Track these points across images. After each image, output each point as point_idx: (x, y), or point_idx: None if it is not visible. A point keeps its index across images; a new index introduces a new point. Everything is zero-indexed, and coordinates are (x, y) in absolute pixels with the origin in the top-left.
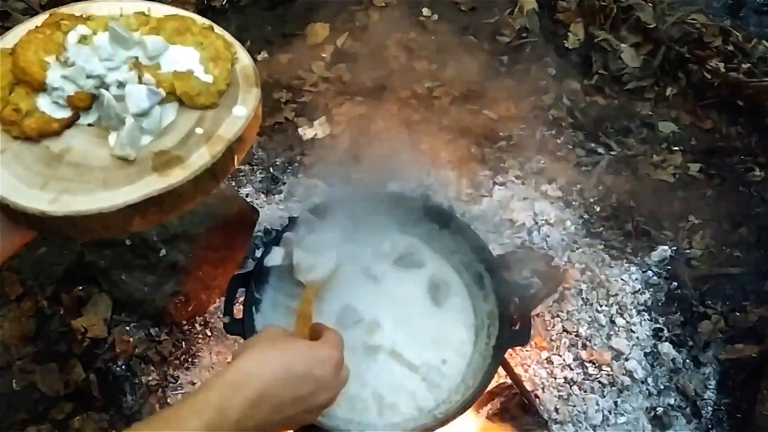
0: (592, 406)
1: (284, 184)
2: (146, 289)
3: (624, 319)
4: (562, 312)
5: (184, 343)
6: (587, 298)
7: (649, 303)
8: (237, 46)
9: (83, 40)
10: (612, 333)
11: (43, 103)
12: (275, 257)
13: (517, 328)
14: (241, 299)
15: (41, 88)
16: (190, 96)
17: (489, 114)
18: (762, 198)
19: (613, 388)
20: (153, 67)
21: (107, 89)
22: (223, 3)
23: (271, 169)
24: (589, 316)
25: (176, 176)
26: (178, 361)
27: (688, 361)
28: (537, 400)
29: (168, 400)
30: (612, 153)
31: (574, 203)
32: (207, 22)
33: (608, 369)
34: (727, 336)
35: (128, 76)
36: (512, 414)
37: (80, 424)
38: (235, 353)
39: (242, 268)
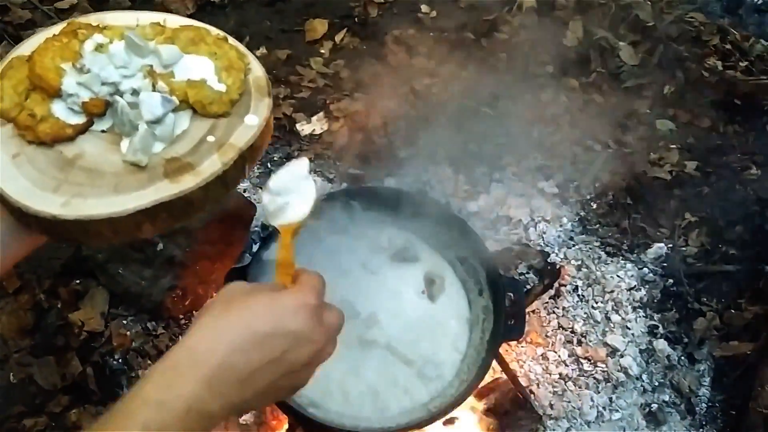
0: (587, 402)
1: None
2: (143, 283)
3: (619, 315)
4: (558, 308)
5: (180, 337)
6: (583, 295)
7: (645, 300)
8: (250, 56)
9: (99, 48)
10: (607, 329)
11: (58, 108)
12: (273, 252)
13: (511, 323)
14: None
15: (57, 94)
16: (203, 104)
17: (487, 111)
18: (758, 196)
19: (608, 384)
20: (167, 75)
21: (121, 96)
22: None
23: (269, 165)
24: (585, 313)
25: (187, 183)
26: None
27: (682, 357)
28: (532, 395)
29: None
30: (609, 150)
31: (570, 200)
32: (221, 33)
33: (603, 365)
34: (721, 333)
35: (142, 83)
36: (507, 409)
37: (77, 417)
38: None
39: (239, 262)
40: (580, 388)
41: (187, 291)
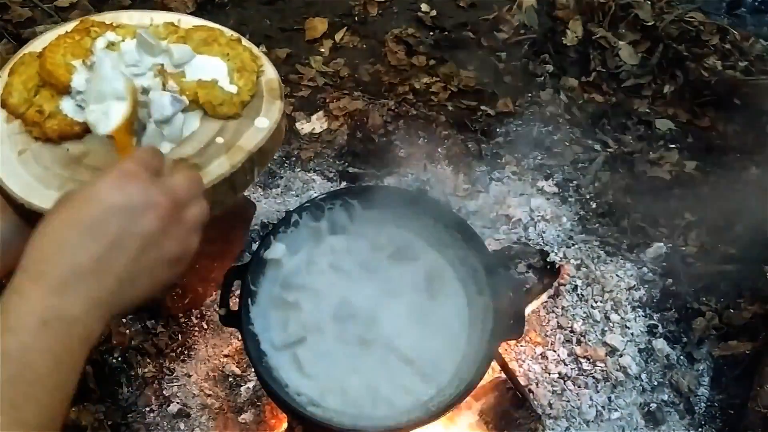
0: (586, 402)
1: (281, 178)
2: None
3: (619, 315)
4: (557, 308)
5: (180, 335)
6: (582, 294)
7: (644, 299)
8: (263, 59)
9: (111, 46)
10: (606, 329)
11: (67, 105)
12: (274, 251)
13: (510, 322)
14: (238, 292)
15: (66, 91)
16: (212, 105)
17: (486, 110)
18: (757, 196)
19: (607, 383)
20: (178, 74)
21: None
22: None
23: (269, 163)
24: (584, 312)
25: None
26: (174, 354)
27: (682, 357)
28: (531, 394)
29: (164, 392)
30: (609, 150)
31: (570, 199)
32: (235, 34)
33: (602, 365)
34: (721, 333)
35: (153, 82)
36: (506, 408)
37: (76, 415)
38: None
39: (239, 261)
40: (579, 387)
41: (186, 289)
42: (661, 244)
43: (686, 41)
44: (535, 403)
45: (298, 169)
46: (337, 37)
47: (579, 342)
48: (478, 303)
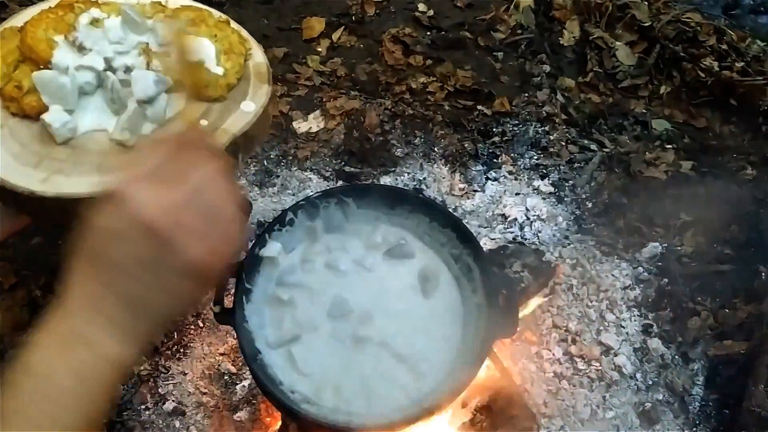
0: (581, 401)
1: (278, 177)
2: None
3: (614, 314)
4: (552, 307)
5: (175, 333)
6: (578, 294)
7: (639, 299)
8: (252, 42)
9: (95, 22)
10: (602, 328)
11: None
12: (270, 249)
13: (505, 320)
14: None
15: (47, 66)
16: (197, 87)
17: (483, 109)
18: (753, 196)
19: (602, 383)
20: (163, 54)
21: (114, 72)
22: None
23: (265, 162)
24: (579, 312)
25: None
26: (169, 352)
27: (676, 357)
28: (526, 393)
29: (159, 390)
30: (605, 150)
31: (566, 199)
32: (223, 16)
33: (597, 364)
34: (716, 332)
35: (137, 61)
36: (500, 407)
37: None
38: None
39: (234, 259)
40: (574, 386)
41: None
42: (657, 243)
43: (683, 42)
44: (530, 402)
45: (295, 168)
46: (335, 36)
47: (574, 341)
48: (473, 301)
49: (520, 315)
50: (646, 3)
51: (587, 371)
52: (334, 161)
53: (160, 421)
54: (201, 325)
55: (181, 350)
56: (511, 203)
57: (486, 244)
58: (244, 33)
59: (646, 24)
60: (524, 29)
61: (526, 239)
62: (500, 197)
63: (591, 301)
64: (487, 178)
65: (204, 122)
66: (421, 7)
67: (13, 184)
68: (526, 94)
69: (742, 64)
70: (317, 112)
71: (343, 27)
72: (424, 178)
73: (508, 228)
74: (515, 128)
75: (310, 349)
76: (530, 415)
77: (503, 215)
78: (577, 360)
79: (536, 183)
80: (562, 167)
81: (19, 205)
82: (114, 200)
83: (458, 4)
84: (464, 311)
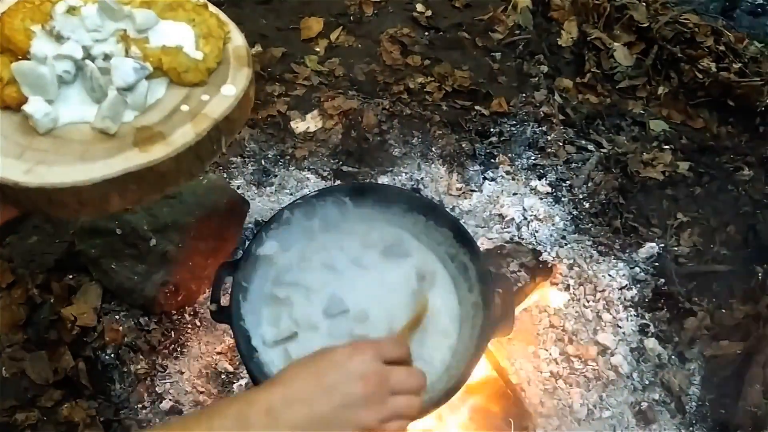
0: (578, 400)
1: (275, 176)
2: (136, 278)
3: (611, 314)
4: (549, 307)
5: (173, 332)
6: (574, 294)
7: (636, 299)
8: (231, 25)
9: (71, 10)
10: (598, 328)
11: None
12: (266, 248)
13: (501, 319)
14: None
15: (25, 57)
16: (177, 72)
17: (481, 110)
18: (750, 197)
19: (599, 382)
20: (141, 41)
21: (93, 61)
22: None
23: (263, 162)
24: (576, 311)
25: (157, 153)
26: (167, 351)
27: (673, 357)
28: (522, 393)
29: (156, 389)
30: (602, 150)
31: (563, 199)
32: (201, 0)
33: (594, 364)
34: (712, 333)
35: (115, 48)
36: (497, 406)
37: (69, 411)
38: None
39: (232, 258)
40: (570, 386)
41: (179, 286)
42: (654, 244)
43: (681, 43)
44: (527, 401)
45: (293, 168)
46: (333, 36)
47: (571, 341)
48: (469, 300)
49: (516, 314)
50: (644, 4)
51: (584, 371)
52: (331, 161)
53: (157, 420)
54: (198, 324)
55: (178, 349)
56: (509, 203)
57: (483, 243)
58: (223, 16)
59: (644, 25)
60: (522, 30)
61: (523, 239)
62: (497, 197)
63: (588, 301)
64: (485, 178)
65: (185, 107)
66: (419, 7)
67: None
68: (524, 95)
69: (739, 65)
70: (315, 111)
71: (341, 27)
72: (422, 178)
73: (505, 228)
74: (513, 128)
75: (307, 347)
76: (527, 415)
77: (500, 215)
78: (574, 360)
79: (533, 183)
80: (559, 167)
81: (3, 198)
82: (360, 353)
83: (456, 5)
84: (460, 310)
